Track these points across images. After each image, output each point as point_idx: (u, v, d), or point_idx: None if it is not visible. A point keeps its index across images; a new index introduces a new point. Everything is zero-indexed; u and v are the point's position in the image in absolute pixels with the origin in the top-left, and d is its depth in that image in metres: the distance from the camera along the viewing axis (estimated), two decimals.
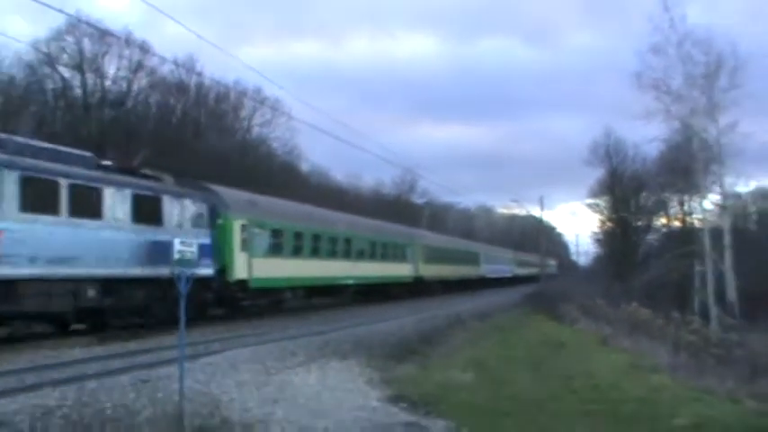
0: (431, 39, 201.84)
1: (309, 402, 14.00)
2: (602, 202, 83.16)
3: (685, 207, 65.67)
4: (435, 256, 64.36)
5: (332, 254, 42.39)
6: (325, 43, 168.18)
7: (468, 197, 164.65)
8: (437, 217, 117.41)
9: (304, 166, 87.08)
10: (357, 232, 47.20)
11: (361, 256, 46.83)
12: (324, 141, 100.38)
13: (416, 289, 57.33)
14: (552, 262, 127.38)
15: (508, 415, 13.89)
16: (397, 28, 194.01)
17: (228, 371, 16.47)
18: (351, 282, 44.58)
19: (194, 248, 12.98)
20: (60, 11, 23.07)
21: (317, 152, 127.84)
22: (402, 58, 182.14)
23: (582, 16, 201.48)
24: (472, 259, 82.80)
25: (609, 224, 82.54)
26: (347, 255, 44.51)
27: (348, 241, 44.83)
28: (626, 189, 76.74)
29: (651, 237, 77.23)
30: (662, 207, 72.23)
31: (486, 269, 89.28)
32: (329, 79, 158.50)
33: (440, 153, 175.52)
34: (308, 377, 16.68)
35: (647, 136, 66.85)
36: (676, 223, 69.70)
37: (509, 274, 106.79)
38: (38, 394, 12.83)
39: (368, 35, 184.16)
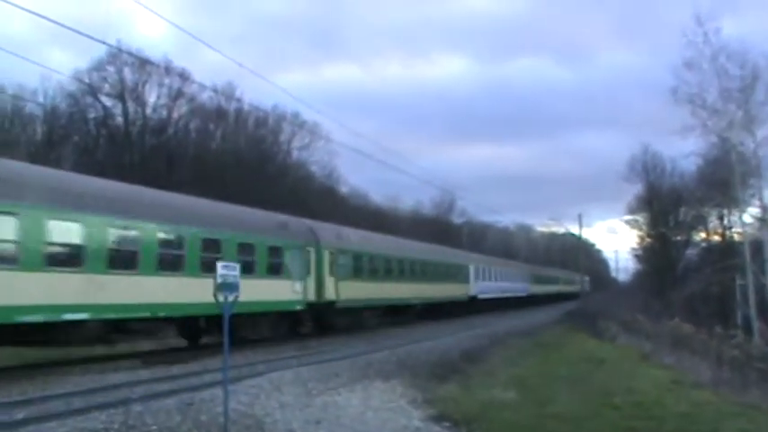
0: (463, 60, 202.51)
1: (353, 423, 14.08)
2: (640, 218, 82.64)
3: (724, 221, 65.10)
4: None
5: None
6: (358, 67, 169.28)
7: (506, 216, 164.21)
8: (476, 237, 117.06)
9: (343, 189, 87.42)
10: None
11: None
12: (362, 164, 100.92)
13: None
14: (580, 278, 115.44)
15: None
16: (430, 50, 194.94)
17: (272, 392, 16.61)
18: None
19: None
20: (102, 42, 23.54)
21: (356, 175, 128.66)
22: (435, 80, 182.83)
23: (613, 34, 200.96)
24: (454, 274, 60.95)
25: (648, 240, 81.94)
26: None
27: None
28: (664, 204, 76.18)
29: (691, 251, 76.40)
30: (701, 221, 71.53)
31: (480, 287, 66.31)
32: (363, 102, 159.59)
33: (476, 173, 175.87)
34: (352, 398, 16.76)
35: (684, 151, 66.45)
36: (716, 237, 68.96)
37: (522, 293, 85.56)
38: (86, 417, 13.08)
39: (400, 58, 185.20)
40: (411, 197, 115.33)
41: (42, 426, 12.46)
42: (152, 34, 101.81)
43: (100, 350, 24.80)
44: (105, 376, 19.59)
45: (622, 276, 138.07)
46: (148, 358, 24.07)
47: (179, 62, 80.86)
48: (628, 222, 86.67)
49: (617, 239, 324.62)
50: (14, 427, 12.47)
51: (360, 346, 29.78)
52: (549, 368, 24.90)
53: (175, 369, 21.38)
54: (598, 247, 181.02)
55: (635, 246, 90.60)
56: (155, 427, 12.42)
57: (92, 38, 21.77)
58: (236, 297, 12.23)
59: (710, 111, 44.02)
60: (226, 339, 12.45)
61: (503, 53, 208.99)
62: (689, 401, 17.54)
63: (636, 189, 79.30)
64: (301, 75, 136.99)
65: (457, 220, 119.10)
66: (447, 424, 14.46)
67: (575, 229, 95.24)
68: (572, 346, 34.16)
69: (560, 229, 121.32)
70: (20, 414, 13.76)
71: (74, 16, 71.02)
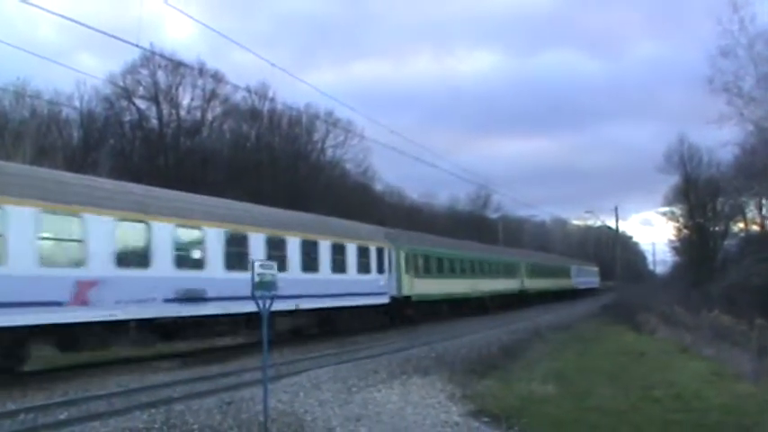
0: (493, 54, 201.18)
1: (392, 419, 14.09)
2: (677, 209, 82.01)
3: (763, 210, 64.47)
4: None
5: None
6: (388, 64, 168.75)
7: (541, 210, 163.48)
8: (512, 231, 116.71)
9: (378, 186, 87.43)
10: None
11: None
12: (397, 160, 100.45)
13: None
14: (588, 267, 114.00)
15: (591, 426, 13.82)
16: (459, 45, 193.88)
17: (311, 390, 16.67)
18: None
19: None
20: (136, 45, 23.61)
21: (391, 172, 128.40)
22: (465, 75, 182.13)
23: (644, 25, 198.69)
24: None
25: (685, 231, 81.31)
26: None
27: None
28: (701, 195, 75.54)
29: (729, 242, 75.63)
30: (739, 211, 70.89)
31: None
32: (394, 99, 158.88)
33: (510, 167, 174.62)
34: (391, 394, 16.78)
35: (720, 140, 65.62)
36: (755, 227, 68.27)
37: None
38: (127, 417, 13.21)
39: (430, 53, 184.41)
40: (446, 193, 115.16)
41: (85, 426, 12.59)
42: (181, 37, 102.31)
43: (138, 351, 24.96)
44: (145, 377, 19.73)
45: (660, 269, 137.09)
46: (188, 359, 24.24)
47: (210, 64, 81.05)
48: (664, 214, 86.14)
49: (652, 232, 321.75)
50: (58, 428, 12.60)
51: (398, 342, 29.81)
52: (588, 361, 24.78)
53: (215, 368, 21.49)
54: (635, 239, 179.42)
55: (672, 238, 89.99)
56: (195, 426, 12.50)
57: (126, 41, 21.82)
58: (274, 296, 12.24)
59: (747, 99, 43.59)
60: (265, 338, 12.49)
61: (532, 47, 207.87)
62: (729, 394, 17.37)
63: (672, 180, 78.77)
64: (332, 73, 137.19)
65: (492, 215, 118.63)
66: (486, 419, 14.44)
67: (610, 222, 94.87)
68: (611, 339, 33.96)
69: (596, 222, 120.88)
70: (62, 414, 13.91)
71: (101, 21, 71.39)
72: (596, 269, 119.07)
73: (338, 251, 32.62)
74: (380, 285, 36.55)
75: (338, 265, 32.43)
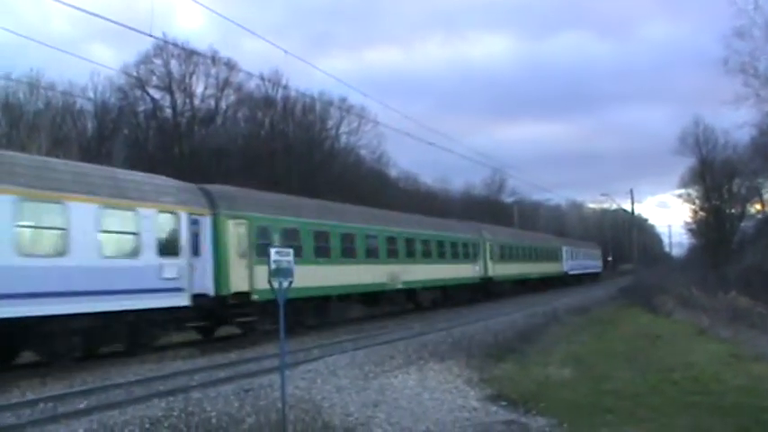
0: (504, 38, 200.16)
1: (410, 404, 14.11)
2: (693, 191, 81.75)
3: None
4: None
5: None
6: (399, 49, 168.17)
7: (557, 193, 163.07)
8: (527, 215, 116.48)
9: (393, 172, 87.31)
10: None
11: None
12: (411, 146, 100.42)
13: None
14: (587, 249, 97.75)
15: (609, 410, 13.80)
16: (470, 29, 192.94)
17: (328, 376, 16.72)
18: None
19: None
20: (149, 35, 23.67)
21: (405, 157, 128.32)
22: (477, 60, 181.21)
23: (657, 6, 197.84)
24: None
25: (701, 213, 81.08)
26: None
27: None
28: (718, 177, 75.34)
29: (746, 224, 75.51)
30: (755, 193, 70.72)
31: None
32: (407, 85, 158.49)
33: (524, 151, 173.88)
34: (408, 379, 16.80)
35: (736, 122, 65.51)
36: None
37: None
38: (146, 405, 13.31)
39: (440, 39, 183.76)
40: (461, 178, 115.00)
41: (104, 414, 12.67)
42: (192, 26, 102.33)
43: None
44: (164, 365, 19.84)
45: (676, 251, 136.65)
46: (206, 346, 24.34)
47: (222, 53, 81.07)
48: (680, 196, 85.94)
49: (668, 214, 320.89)
50: (77, 417, 12.68)
51: (415, 327, 29.86)
52: (605, 345, 24.75)
53: (233, 356, 21.59)
54: (651, 222, 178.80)
55: (688, 220, 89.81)
56: (213, 414, 12.54)
57: (139, 31, 21.87)
58: (291, 282, 12.25)
59: (763, 79, 43.42)
60: (282, 325, 12.49)
61: (543, 30, 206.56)
62: (748, 375, 17.33)
63: (688, 162, 78.58)
64: (343, 60, 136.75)
65: (507, 199, 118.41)
66: (504, 403, 14.44)
67: (626, 205, 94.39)
68: (628, 322, 33.86)
69: (612, 206, 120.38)
70: (82, 403, 14.01)
71: (113, 12, 71.54)
72: (598, 251, 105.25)
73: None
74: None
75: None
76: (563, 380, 17.11)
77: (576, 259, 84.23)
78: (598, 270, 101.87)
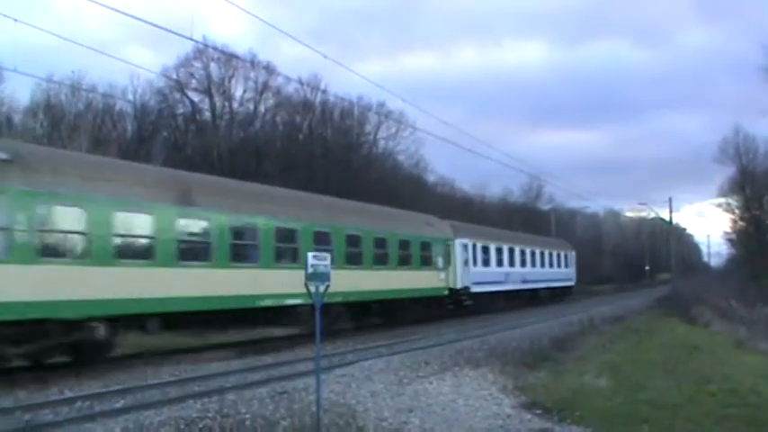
0: (539, 45, 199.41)
1: (444, 411, 14.09)
2: (732, 200, 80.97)
3: None
4: None
5: None
6: (435, 56, 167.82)
7: (594, 201, 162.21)
8: (564, 223, 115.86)
9: (430, 178, 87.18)
10: None
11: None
12: (448, 151, 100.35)
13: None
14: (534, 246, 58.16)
15: (644, 420, 13.68)
16: (505, 36, 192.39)
17: (363, 381, 16.72)
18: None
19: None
20: (190, 38, 23.86)
21: (443, 163, 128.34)
22: (512, 66, 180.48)
23: (694, 14, 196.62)
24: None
25: (741, 223, 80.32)
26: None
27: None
28: (758, 186, 74.57)
29: None
30: None
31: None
32: (442, 91, 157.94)
33: (560, 159, 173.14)
34: (443, 385, 16.77)
35: None
36: None
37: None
38: (181, 406, 13.38)
39: (475, 45, 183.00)
40: (499, 184, 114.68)
41: (140, 414, 12.75)
42: (230, 31, 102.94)
43: (192, 341, 25.26)
44: (199, 366, 19.94)
45: (715, 261, 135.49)
46: (242, 348, 24.43)
47: (259, 56, 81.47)
48: (719, 206, 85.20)
49: (706, 223, 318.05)
50: (114, 416, 12.76)
51: (449, 334, 29.79)
52: (641, 354, 24.54)
53: (268, 358, 21.66)
54: (689, 231, 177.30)
55: (727, 230, 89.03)
56: (248, 416, 12.58)
57: (181, 35, 22.17)
58: (327, 286, 12.25)
59: None
60: (318, 328, 12.50)
61: (577, 37, 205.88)
62: None
63: (727, 172, 77.95)
64: (379, 65, 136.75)
65: (544, 206, 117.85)
66: (538, 411, 14.38)
67: (664, 214, 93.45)
68: (664, 332, 33.58)
69: (650, 214, 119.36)
70: (118, 403, 14.12)
71: (148, 14, 72.30)
72: (569, 252, 67.38)
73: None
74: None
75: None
76: (598, 389, 16.99)
77: (506, 266, 50.13)
78: (569, 283, 66.37)
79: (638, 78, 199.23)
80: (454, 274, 40.08)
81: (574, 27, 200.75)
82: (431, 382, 17.09)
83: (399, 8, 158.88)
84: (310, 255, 12.09)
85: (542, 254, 58.48)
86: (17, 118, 52.68)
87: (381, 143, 76.16)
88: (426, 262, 36.87)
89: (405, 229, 35.73)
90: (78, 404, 14.01)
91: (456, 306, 41.05)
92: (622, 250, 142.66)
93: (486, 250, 46.14)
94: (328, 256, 12.51)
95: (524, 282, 52.92)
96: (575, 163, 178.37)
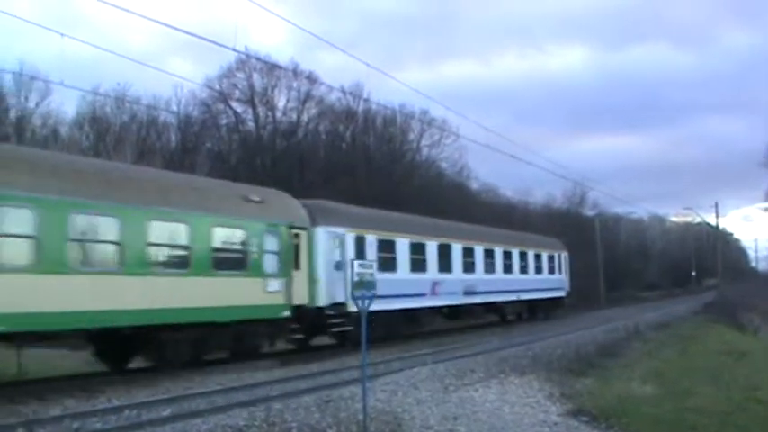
0: (579, 50, 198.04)
1: (490, 418, 14.06)
2: None
3: None
4: None
5: None
6: (475, 62, 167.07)
7: (638, 206, 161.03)
8: (609, 228, 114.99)
9: (473, 185, 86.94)
10: None
11: None
12: (490, 158, 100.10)
13: None
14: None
15: (692, 428, 13.58)
16: (545, 41, 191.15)
17: (409, 389, 16.71)
18: None
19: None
20: (233, 49, 24.02)
21: (486, 170, 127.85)
22: (553, 72, 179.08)
23: (735, 16, 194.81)
24: None
25: None
26: None
27: None
28: None
29: None
30: None
31: None
32: (483, 97, 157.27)
33: (603, 164, 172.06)
34: (488, 393, 16.73)
35: None
36: None
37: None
38: (228, 415, 13.43)
39: (517, 51, 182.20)
40: (542, 190, 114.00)
41: (187, 423, 12.83)
42: (270, 41, 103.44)
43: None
44: (244, 375, 20.03)
45: (763, 266, 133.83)
46: (287, 357, 24.53)
47: (301, 66, 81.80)
48: (766, 210, 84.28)
49: (753, 228, 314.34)
50: (161, 424, 12.86)
51: (493, 341, 29.70)
52: (687, 361, 24.36)
53: (314, 367, 21.71)
54: (735, 236, 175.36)
55: None
56: (294, 424, 12.63)
57: (224, 46, 22.17)
58: (374, 294, 12.28)
59: None
60: (364, 337, 12.54)
61: (619, 41, 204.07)
62: None
63: None
64: (420, 73, 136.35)
65: (588, 212, 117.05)
66: (585, 418, 14.33)
67: (710, 219, 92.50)
68: (711, 338, 33.30)
69: (695, 219, 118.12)
70: (165, 411, 14.22)
71: (187, 26, 72.97)
72: (562, 253, 54.04)
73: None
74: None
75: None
76: (645, 396, 16.89)
77: (433, 270, 35.09)
78: (557, 294, 51.83)
79: (681, 82, 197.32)
80: (311, 282, 26.41)
81: (615, 31, 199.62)
82: (476, 390, 17.06)
83: (439, 15, 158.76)
84: (356, 263, 12.13)
85: (507, 254, 43.52)
86: (63, 130, 53.51)
87: (425, 151, 76.10)
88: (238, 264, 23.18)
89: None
90: (126, 413, 14.13)
91: (312, 333, 28.14)
92: (668, 256, 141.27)
93: (388, 247, 31.52)
94: (374, 264, 12.54)
95: (470, 293, 37.78)
96: (618, 168, 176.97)
